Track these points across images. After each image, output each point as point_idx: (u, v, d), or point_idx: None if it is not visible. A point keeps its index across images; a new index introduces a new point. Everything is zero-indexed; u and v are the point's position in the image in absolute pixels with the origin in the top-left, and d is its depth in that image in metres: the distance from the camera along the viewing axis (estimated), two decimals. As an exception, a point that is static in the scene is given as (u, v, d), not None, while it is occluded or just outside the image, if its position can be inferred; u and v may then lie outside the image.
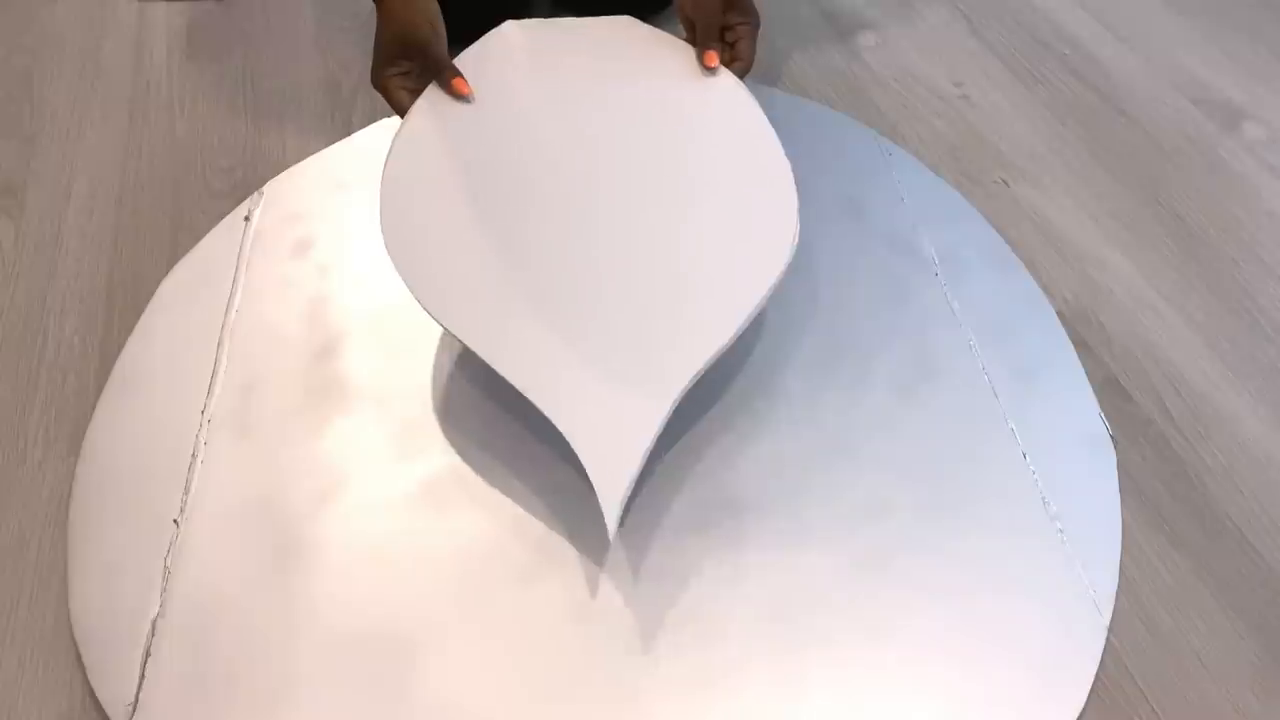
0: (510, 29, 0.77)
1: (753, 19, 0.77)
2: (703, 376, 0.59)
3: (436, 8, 0.75)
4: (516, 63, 0.75)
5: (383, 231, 0.64)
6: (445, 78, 0.72)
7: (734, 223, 0.65)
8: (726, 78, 0.74)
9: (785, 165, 0.67)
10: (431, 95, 0.72)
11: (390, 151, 0.68)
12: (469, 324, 0.60)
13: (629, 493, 0.56)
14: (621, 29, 0.78)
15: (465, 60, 0.74)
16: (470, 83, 0.72)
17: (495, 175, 0.68)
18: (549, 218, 0.66)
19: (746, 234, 0.64)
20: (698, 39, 0.76)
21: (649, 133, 0.71)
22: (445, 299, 0.61)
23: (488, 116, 0.71)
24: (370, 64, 0.74)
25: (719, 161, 0.69)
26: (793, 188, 0.66)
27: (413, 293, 0.61)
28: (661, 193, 0.67)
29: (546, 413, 0.57)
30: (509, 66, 0.75)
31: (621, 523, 0.56)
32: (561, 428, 0.57)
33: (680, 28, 0.81)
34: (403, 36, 0.72)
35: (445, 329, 0.61)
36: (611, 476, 0.55)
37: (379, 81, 0.73)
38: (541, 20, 0.79)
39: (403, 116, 0.72)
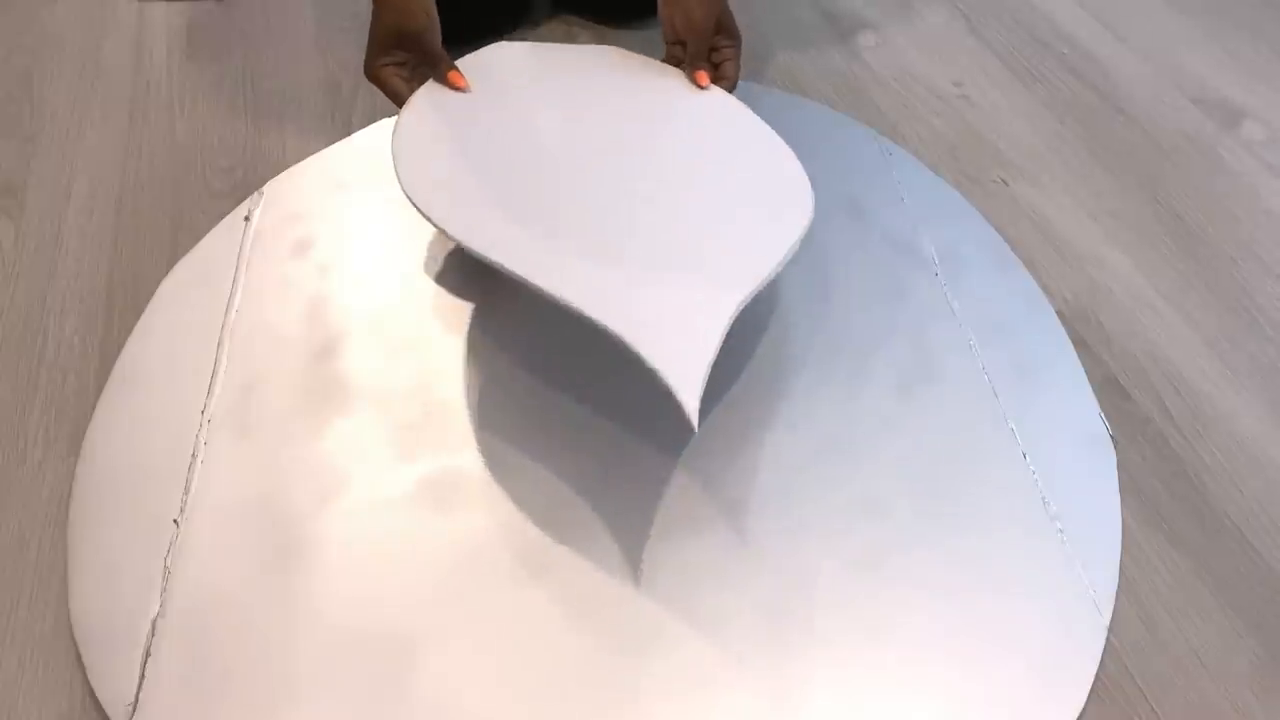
0: (503, 46, 0.77)
1: (736, 41, 0.79)
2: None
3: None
4: (513, 70, 0.76)
5: (399, 175, 0.62)
6: (441, 70, 0.72)
7: (750, 181, 0.65)
8: (718, 91, 0.76)
9: (782, 144, 0.68)
10: (432, 85, 0.72)
11: (398, 122, 0.68)
12: (506, 252, 0.56)
13: (705, 380, 0.51)
14: (612, 54, 0.79)
15: (465, 61, 0.75)
16: (475, 76, 0.72)
17: (509, 142, 0.66)
18: (572, 177, 0.64)
19: (764, 190, 0.64)
20: (687, 58, 0.77)
21: (654, 122, 0.72)
22: (476, 230, 0.58)
23: (494, 103, 0.71)
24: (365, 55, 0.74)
25: (722, 142, 0.70)
26: (795, 159, 0.66)
27: (438, 224, 0.58)
28: (678, 161, 0.66)
29: (603, 320, 0.52)
30: (506, 72, 0.75)
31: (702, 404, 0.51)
32: (621, 332, 0.52)
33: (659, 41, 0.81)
34: (398, 26, 0.72)
35: (482, 257, 0.56)
36: (683, 367, 0.50)
37: (373, 71, 0.73)
38: (531, 44, 0.79)
39: (399, 105, 0.72)
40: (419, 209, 0.61)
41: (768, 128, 0.71)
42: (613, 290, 0.53)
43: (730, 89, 0.77)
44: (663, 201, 0.63)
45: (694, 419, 0.49)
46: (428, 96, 0.71)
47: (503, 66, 0.75)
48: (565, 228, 0.58)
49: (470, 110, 0.70)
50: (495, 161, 0.63)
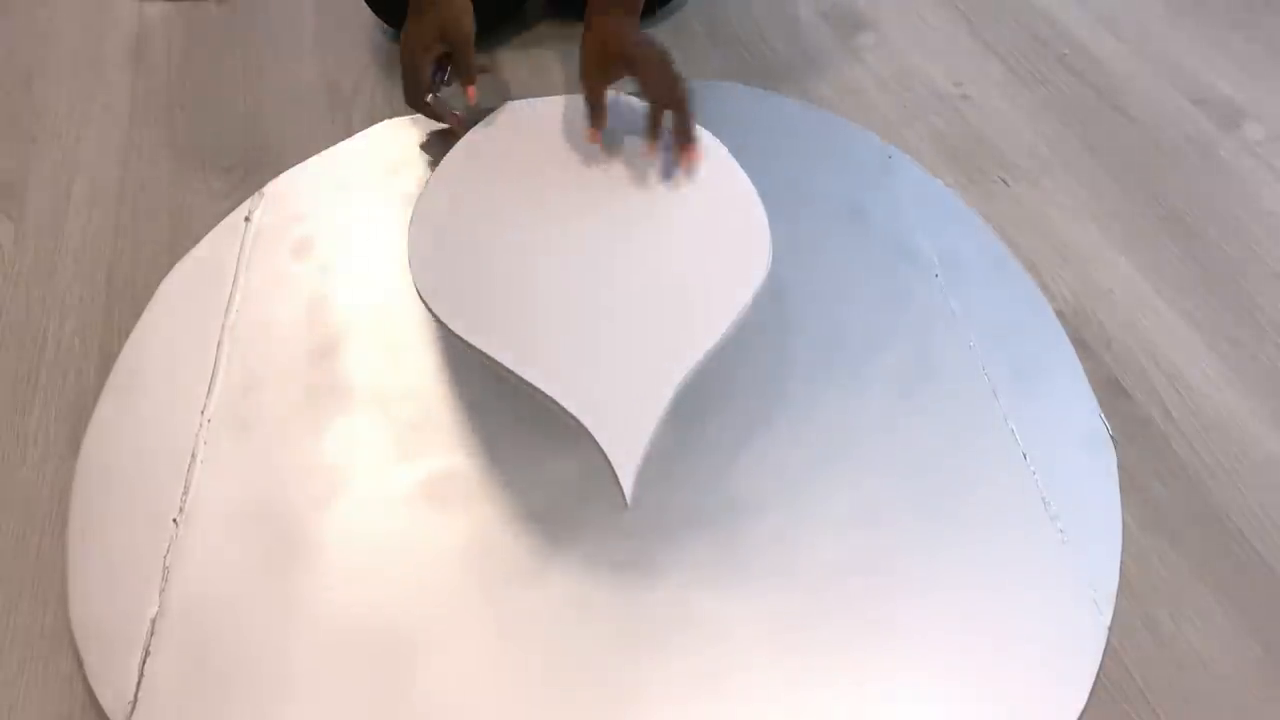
0: (515, 106, 0.84)
1: (671, 103, 0.75)
2: (705, 378, 0.60)
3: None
4: (519, 135, 0.81)
5: (411, 269, 0.68)
6: (465, 79, 0.82)
7: (715, 242, 0.70)
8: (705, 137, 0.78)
9: (752, 191, 0.72)
10: (447, 165, 0.77)
11: (415, 208, 0.72)
12: (488, 339, 0.64)
13: (641, 461, 0.57)
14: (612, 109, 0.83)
15: (476, 133, 0.80)
16: (480, 152, 0.79)
17: (507, 222, 0.72)
18: (555, 251, 0.69)
19: (728, 249, 0.69)
20: (591, 115, 0.78)
21: (637, 182, 0.75)
22: (469, 320, 0.65)
23: (499, 177, 0.76)
24: (404, 36, 0.81)
25: (698, 199, 0.73)
26: (761, 212, 0.71)
27: (442, 319, 0.65)
28: (652, 226, 0.71)
29: (563, 403, 0.60)
30: (514, 137, 0.81)
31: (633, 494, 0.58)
32: (576, 413, 0.59)
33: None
34: (442, 27, 0.80)
35: (470, 345, 0.64)
36: (624, 447, 0.58)
37: (415, 58, 0.80)
38: (540, 99, 0.84)
39: (415, 94, 0.81)
40: (427, 305, 0.67)
41: (737, 168, 0.74)
42: (574, 372, 0.62)
43: (684, 141, 0.76)
44: (631, 271, 0.68)
45: (628, 498, 0.57)
46: (442, 181, 0.75)
47: (511, 132, 0.81)
48: (543, 313, 0.66)
49: (474, 196, 0.75)
50: (491, 253, 0.70)
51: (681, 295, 0.65)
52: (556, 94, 0.84)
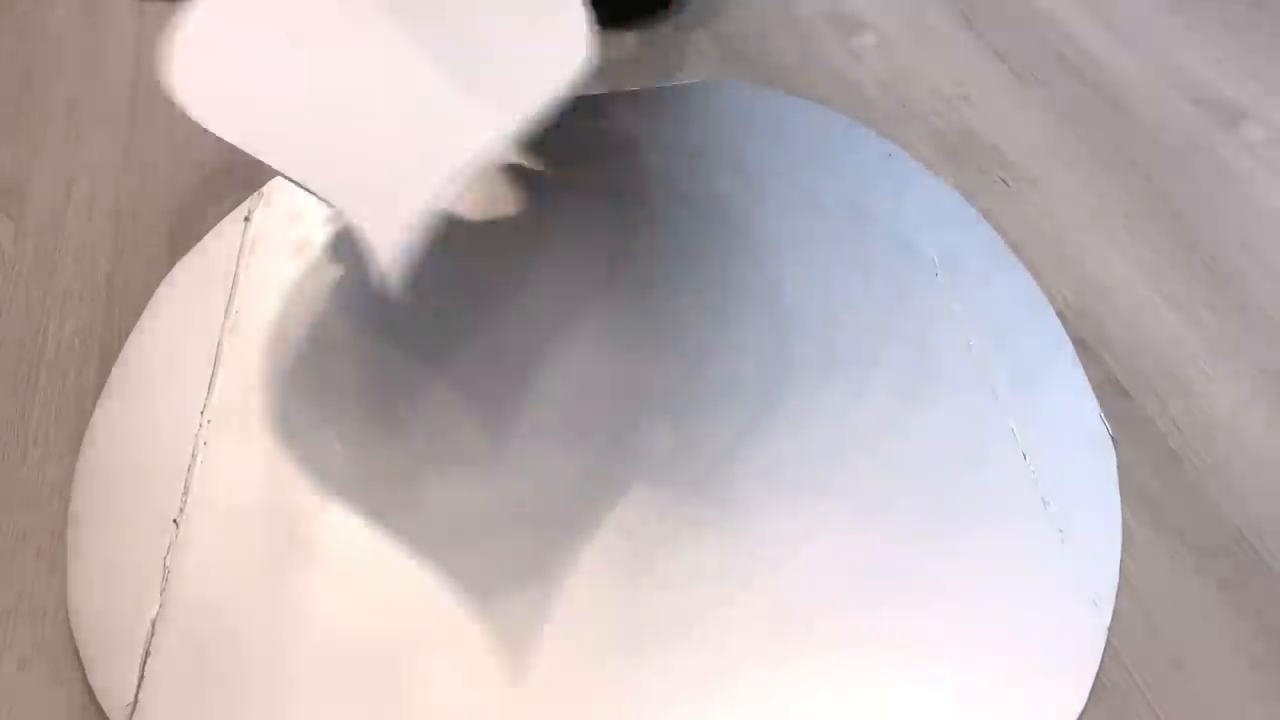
0: None
1: None
2: (702, 376, 0.60)
3: None
4: None
5: (170, 69, 0.61)
6: None
7: (523, 29, 0.61)
8: None
9: None
10: None
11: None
12: (245, 135, 0.58)
13: (403, 238, 0.50)
14: None
15: None
16: None
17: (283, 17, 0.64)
18: (330, 39, 0.63)
19: (537, 38, 0.60)
20: None
21: None
22: (232, 119, 0.59)
23: None
24: None
25: None
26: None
27: (200, 121, 0.59)
28: (444, 8, 0.64)
29: (319, 192, 0.54)
30: None
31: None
32: (332, 199, 0.53)
33: None
34: None
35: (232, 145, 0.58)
36: (382, 221, 0.50)
37: None
38: None
39: None
40: (184, 107, 0.60)
41: None
42: (337, 161, 0.54)
43: None
44: (417, 58, 0.60)
45: (385, 272, 0.48)
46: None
47: None
48: (315, 107, 0.58)
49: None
50: (262, 48, 0.61)
51: (474, 83, 0.58)
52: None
